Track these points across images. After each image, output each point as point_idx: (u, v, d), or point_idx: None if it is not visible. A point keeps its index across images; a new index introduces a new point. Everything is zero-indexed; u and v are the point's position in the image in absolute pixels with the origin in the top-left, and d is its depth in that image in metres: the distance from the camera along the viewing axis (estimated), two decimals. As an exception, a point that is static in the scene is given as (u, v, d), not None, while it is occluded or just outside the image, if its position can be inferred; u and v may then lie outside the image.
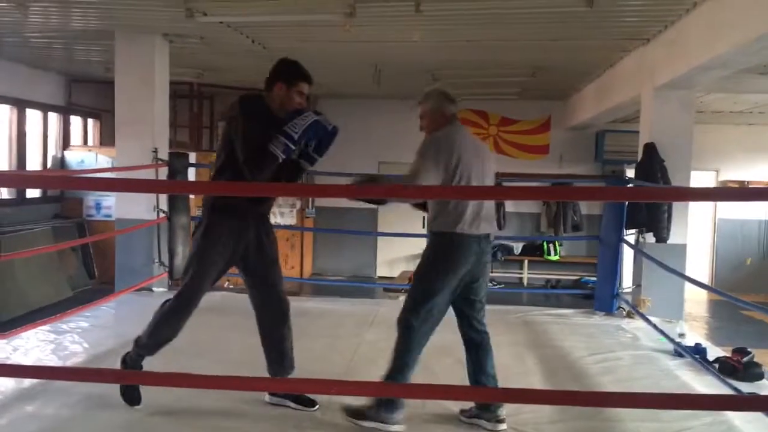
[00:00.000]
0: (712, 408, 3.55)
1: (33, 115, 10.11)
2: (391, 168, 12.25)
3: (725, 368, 4.64)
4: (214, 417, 3.58)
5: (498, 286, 12.09)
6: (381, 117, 12.51)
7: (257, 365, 3.70)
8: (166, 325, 3.56)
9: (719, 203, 12.42)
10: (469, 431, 3.55)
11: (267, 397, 3.76)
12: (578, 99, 10.85)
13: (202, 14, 5.97)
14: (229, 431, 3.46)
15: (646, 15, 5.94)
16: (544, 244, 12.47)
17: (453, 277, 3.46)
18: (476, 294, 3.59)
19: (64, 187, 10.19)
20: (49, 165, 10.44)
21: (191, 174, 8.27)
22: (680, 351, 4.97)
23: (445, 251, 3.46)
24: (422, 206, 3.88)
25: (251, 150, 3.35)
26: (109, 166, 9.47)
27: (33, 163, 10.13)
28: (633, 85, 7.30)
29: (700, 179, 11.81)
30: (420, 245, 12.88)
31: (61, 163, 10.68)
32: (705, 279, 12.28)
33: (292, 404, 3.70)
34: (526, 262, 12.57)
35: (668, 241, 6.23)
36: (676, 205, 6.25)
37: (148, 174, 6.65)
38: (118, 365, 3.71)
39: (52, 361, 4.48)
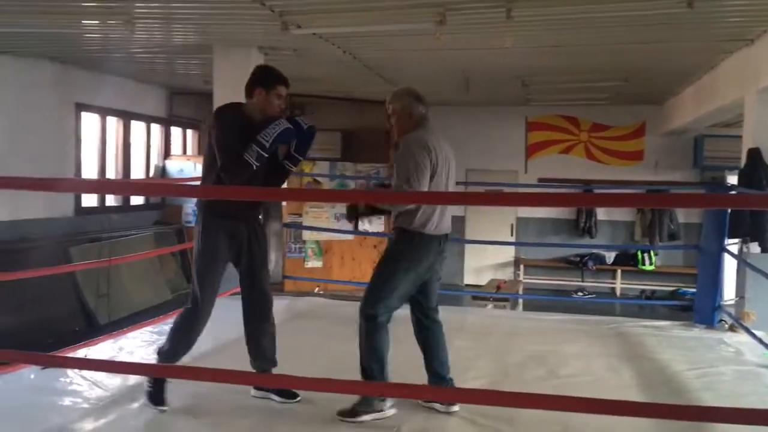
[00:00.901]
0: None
1: (137, 127, 10.68)
2: (478, 176, 12.19)
3: (840, 387, 4.35)
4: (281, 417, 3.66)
5: (589, 295, 11.80)
6: (468, 124, 12.47)
7: (348, 370, 3.76)
8: (182, 332, 3.76)
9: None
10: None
11: (252, 391, 3.90)
12: (675, 103, 10.46)
13: (296, 27, 6.14)
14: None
15: (750, 15, 5.68)
16: (639, 253, 12.07)
17: (415, 275, 3.62)
18: (431, 286, 3.77)
19: (165, 194, 10.72)
20: (151, 173, 10.99)
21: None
22: (789, 367, 4.70)
23: (411, 249, 3.59)
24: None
25: (227, 158, 3.57)
26: (207, 174, 9.83)
27: (137, 172, 10.69)
28: (736, 88, 6.98)
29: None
30: (509, 253, 12.69)
31: (163, 171, 11.22)
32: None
33: (276, 397, 3.82)
34: (619, 271, 12.19)
35: (774, 252, 5.92)
36: (784, 214, 5.92)
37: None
38: (215, 365, 3.86)
39: (155, 361, 4.70)
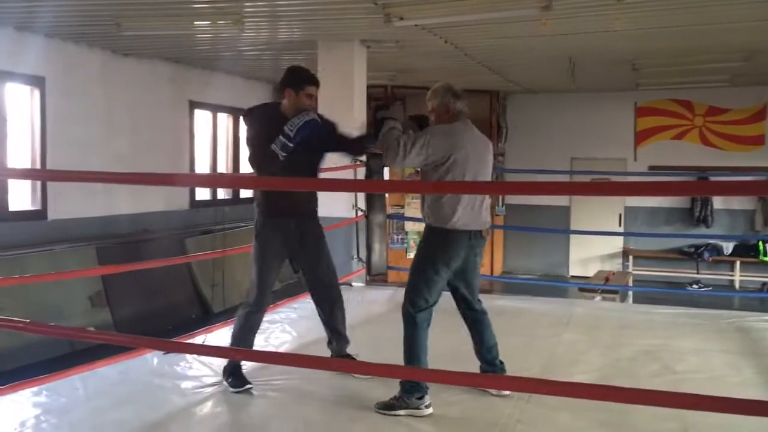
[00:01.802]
0: None
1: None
2: (584, 164, 11.85)
3: None
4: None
5: (705, 288, 11.23)
6: (574, 111, 12.14)
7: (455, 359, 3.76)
8: (243, 330, 3.92)
9: None
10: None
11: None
12: (801, 83, 9.75)
13: (399, 18, 6.15)
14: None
15: None
16: (760, 243, 11.35)
17: (446, 270, 3.69)
18: (471, 279, 3.84)
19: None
20: (259, 167, 11.36)
21: (386, 173, 8.56)
22: None
23: (437, 246, 3.67)
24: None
25: (256, 152, 3.83)
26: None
27: (245, 166, 11.08)
28: None
29: None
30: (617, 244, 12.29)
31: (270, 165, 11.56)
32: None
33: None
34: (738, 263, 11.52)
35: None
36: None
37: (347, 174, 6.98)
38: (322, 354, 3.99)
39: (267, 348, 4.88)
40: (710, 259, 11.53)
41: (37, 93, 7.38)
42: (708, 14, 6.16)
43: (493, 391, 3.83)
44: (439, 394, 3.69)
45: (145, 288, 7.82)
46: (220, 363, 4.26)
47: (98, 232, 7.98)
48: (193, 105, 9.77)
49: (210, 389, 3.97)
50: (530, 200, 12.02)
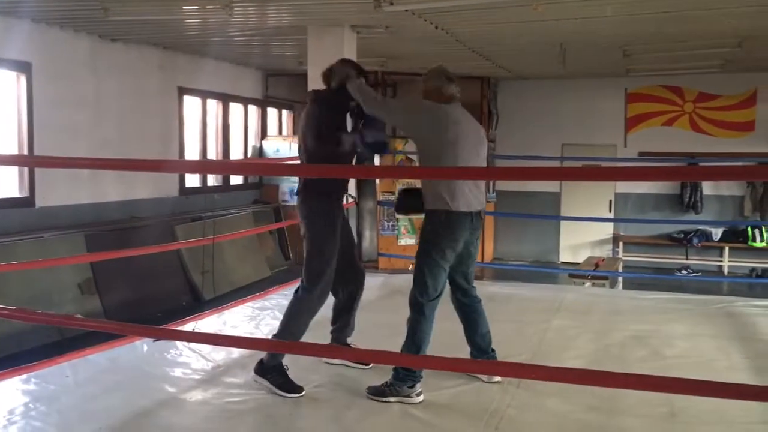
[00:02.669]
0: None
1: (235, 109, 11.01)
2: (574, 150, 11.85)
3: None
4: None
5: (694, 274, 11.31)
6: (565, 97, 12.13)
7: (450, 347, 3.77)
8: (300, 314, 3.80)
9: None
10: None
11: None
12: (792, 69, 9.77)
13: (389, 3, 6.11)
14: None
15: None
16: (749, 229, 11.42)
17: (452, 253, 3.67)
18: (468, 265, 3.84)
19: (263, 173, 11.04)
20: (249, 154, 11.32)
21: (376, 160, 8.53)
22: None
23: (441, 229, 3.65)
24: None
25: (330, 135, 3.79)
26: (302, 153, 10.04)
27: (236, 152, 11.04)
28: None
29: None
30: (607, 230, 12.34)
31: (260, 152, 11.54)
32: None
33: (350, 363, 4.04)
34: (726, 248, 11.58)
35: None
36: None
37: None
38: (316, 341, 3.96)
39: (258, 335, 4.87)
40: (699, 244, 11.59)
41: (23, 79, 7.29)
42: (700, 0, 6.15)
43: (484, 377, 3.84)
44: (429, 380, 3.69)
45: (134, 275, 7.78)
46: (210, 350, 4.25)
47: (87, 219, 7.93)
48: (182, 91, 9.69)
49: (199, 376, 3.96)
50: (521, 186, 12.02)
